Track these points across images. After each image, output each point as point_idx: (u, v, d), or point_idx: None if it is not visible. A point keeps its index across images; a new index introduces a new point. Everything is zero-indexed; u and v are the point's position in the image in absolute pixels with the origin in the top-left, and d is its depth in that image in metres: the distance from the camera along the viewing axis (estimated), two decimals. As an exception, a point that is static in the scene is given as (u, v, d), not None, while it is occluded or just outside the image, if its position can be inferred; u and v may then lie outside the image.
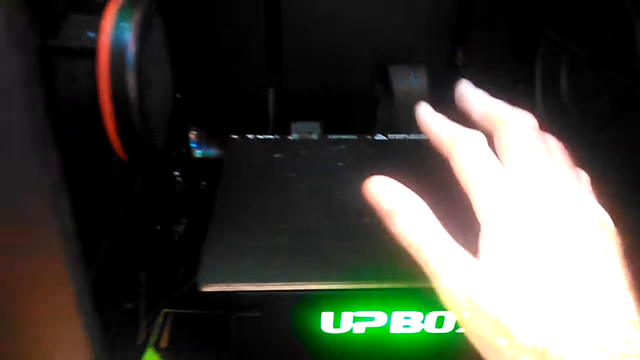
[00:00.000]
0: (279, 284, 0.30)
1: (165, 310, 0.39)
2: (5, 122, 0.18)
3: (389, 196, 0.28)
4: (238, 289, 0.29)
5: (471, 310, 0.23)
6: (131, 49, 0.30)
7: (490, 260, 0.23)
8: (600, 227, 0.24)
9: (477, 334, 0.23)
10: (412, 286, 0.30)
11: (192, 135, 0.57)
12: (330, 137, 0.47)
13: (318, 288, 0.30)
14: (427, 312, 0.32)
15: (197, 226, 0.50)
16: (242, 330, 0.32)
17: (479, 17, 0.48)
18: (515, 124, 0.28)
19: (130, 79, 0.30)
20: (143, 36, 0.32)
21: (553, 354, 0.21)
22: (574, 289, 0.22)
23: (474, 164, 0.27)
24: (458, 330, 0.33)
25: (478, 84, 0.49)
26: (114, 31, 0.30)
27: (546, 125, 0.49)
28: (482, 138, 0.28)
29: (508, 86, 0.50)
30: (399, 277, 0.30)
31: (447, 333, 0.33)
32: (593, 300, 0.22)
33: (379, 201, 0.28)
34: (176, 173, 0.57)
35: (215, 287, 0.29)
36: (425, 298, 0.31)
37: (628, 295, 0.22)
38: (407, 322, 0.33)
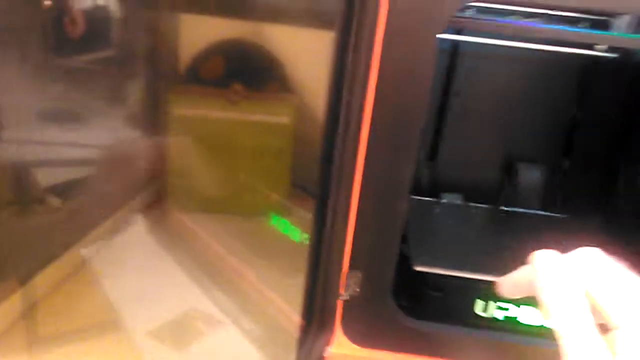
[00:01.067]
0: (460, 272, 0.51)
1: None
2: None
3: (547, 287, 0.29)
4: (436, 271, 0.51)
5: None
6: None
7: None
8: None
9: None
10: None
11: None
12: (469, 203, 0.69)
13: (478, 278, 0.51)
14: (544, 310, 0.51)
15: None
16: (426, 306, 0.53)
17: (582, 134, 0.69)
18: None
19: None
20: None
21: None
22: None
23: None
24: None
25: (577, 185, 0.70)
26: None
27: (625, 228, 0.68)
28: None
29: (598, 187, 0.70)
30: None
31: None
32: None
33: (538, 287, 0.29)
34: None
35: (422, 268, 0.50)
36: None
37: None
38: (531, 315, 0.52)
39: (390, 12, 0.39)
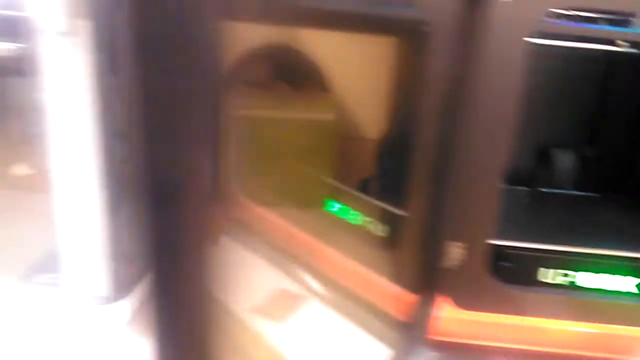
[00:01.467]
0: (525, 244, 0.58)
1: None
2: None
3: None
4: (508, 244, 0.58)
5: None
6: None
7: None
8: None
9: None
10: (592, 252, 0.57)
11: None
12: (512, 187, 0.77)
13: (543, 248, 0.58)
14: (597, 273, 0.59)
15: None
16: (500, 274, 0.59)
17: (605, 124, 0.78)
18: None
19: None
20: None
21: None
22: None
23: None
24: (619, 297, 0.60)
25: (604, 168, 0.78)
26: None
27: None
28: None
29: (622, 171, 0.79)
30: (587, 245, 0.58)
31: (612, 292, 0.60)
32: None
33: None
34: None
35: (497, 242, 0.57)
36: (600, 265, 0.58)
37: None
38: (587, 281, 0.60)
39: (490, 17, 0.45)
